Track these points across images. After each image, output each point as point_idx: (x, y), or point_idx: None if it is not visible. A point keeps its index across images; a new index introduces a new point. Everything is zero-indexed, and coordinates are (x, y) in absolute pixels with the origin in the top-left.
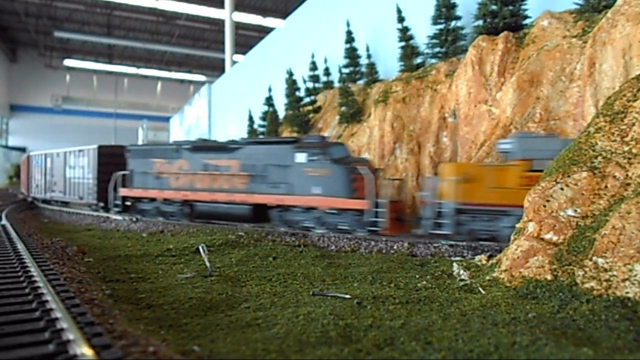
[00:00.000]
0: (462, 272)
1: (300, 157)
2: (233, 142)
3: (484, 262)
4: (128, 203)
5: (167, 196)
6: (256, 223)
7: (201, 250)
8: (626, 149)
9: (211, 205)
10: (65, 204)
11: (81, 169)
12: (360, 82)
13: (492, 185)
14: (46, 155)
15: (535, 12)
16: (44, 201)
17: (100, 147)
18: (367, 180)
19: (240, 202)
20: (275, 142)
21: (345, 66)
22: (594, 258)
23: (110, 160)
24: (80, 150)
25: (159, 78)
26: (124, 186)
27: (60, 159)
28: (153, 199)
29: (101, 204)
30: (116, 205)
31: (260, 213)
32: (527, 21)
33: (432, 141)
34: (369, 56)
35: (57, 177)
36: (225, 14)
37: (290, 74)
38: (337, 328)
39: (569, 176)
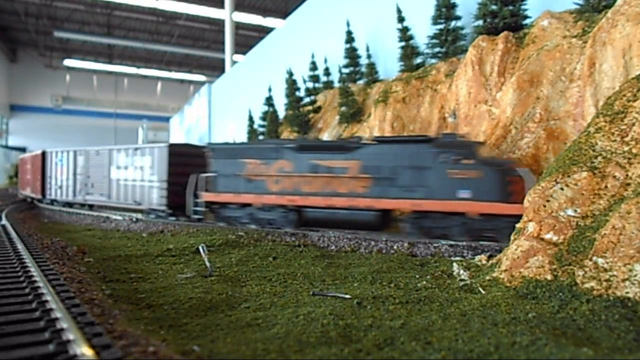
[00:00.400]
0: (462, 272)
1: (443, 158)
2: (349, 141)
3: (484, 262)
4: (200, 208)
5: (267, 201)
6: (380, 230)
7: (201, 250)
8: (626, 149)
9: (326, 211)
10: (88, 206)
11: (139, 170)
12: (360, 82)
13: None
14: (77, 152)
15: (535, 12)
16: (67, 204)
17: (171, 146)
18: (529, 182)
19: (365, 207)
20: (408, 141)
21: (345, 66)
22: (594, 258)
23: (183, 161)
24: (137, 149)
25: (159, 78)
26: (206, 190)
27: (103, 157)
28: (245, 205)
29: (169, 211)
30: (196, 212)
31: (387, 219)
32: (527, 21)
33: None
34: (369, 56)
35: (95, 178)
36: (225, 14)
37: (290, 74)
38: (337, 328)
39: (569, 176)
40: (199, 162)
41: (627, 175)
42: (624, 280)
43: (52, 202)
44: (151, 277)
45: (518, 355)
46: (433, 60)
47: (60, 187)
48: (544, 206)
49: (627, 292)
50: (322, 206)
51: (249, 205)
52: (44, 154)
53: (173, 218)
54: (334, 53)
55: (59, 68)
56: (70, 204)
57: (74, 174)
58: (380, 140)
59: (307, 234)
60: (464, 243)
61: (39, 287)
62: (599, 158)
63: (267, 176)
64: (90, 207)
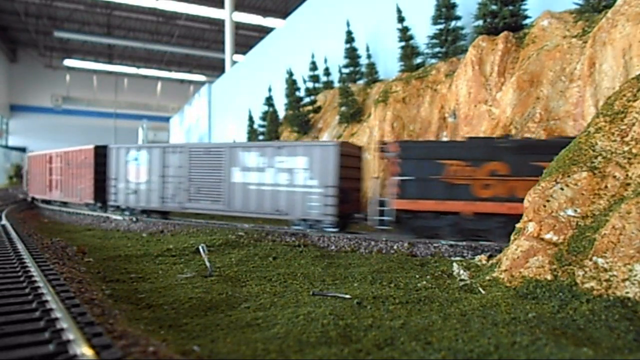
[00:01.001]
0: (462, 272)
1: None
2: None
3: (484, 262)
4: (387, 218)
5: (482, 209)
6: None
7: (201, 250)
8: (626, 149)
9: None
10: (161, 213)
11: (286, 173)
12: (360, 82)
13: None
14: (166, 149)
15: (535, 12)
16: (144, 212)
17: (342, 145)
18: None
19: None
20: None
21: (345, 66)
22: (594, 258)
23: (346, 162)
24: (280, 147)
25: (159, 78)
26: (398, 197)
27: (217, 156)
28: (443, 213)
29: (337, 221)
30: (382, 223)
31: None
32: (527, 21)
33: None
34: (369, 56)
35: (203, 182)
36: (225, 14)
37: (290, 74)
38: (337, 328)
39: (569, 176)
40: (355, 164)
41: (627, 175)
42: (624, 280)
43: (121, 209)
44: (151, 277)
45: (518, 355)
46: (433, 60)
47: (136, 192)
48: (544, 206)
49: (627, 292)
50: None
51: (448, 213)
52: (100, 149)
53: (335, 229)
54: (334, 53)
55: (59, 68)
56: (147, 212)
57: (161, 176)
58: None
59: (307, 234)
60: (464, 243)
61: (39, 287)
62: (599, 158)
63: (475, 180)
64: (165, 214)
